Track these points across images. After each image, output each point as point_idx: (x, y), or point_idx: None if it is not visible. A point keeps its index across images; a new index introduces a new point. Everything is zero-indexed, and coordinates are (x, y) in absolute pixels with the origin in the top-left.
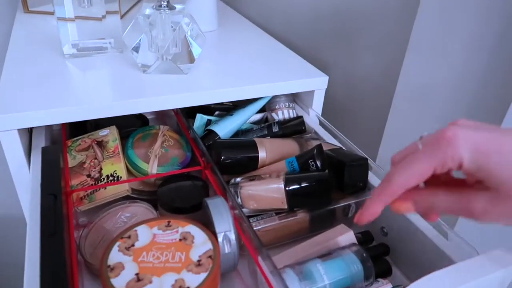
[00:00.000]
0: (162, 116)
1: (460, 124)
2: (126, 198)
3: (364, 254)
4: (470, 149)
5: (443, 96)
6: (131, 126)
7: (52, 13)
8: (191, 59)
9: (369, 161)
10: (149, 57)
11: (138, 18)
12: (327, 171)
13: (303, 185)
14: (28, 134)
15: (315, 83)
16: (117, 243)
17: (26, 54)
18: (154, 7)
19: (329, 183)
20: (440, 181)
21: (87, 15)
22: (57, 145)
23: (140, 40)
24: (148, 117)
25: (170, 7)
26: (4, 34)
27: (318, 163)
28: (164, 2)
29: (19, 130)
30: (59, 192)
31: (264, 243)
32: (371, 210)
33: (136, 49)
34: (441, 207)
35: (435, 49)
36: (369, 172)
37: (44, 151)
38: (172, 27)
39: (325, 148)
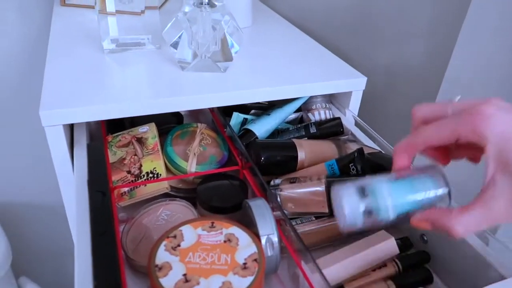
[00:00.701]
0: (196, 113)
1: (495, 104)
2: (165, 195)
3: (443, 181)
4: (497, 132)
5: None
6: (167, 123)
7: (88, 6)
8: (229, 57)
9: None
10: (188, 54)
11: (179, 16)
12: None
13: None
14: (69, 129)
15: (353, 84)
16: (164, 243)
17: (66, 49)
18: (194, 4)
19: None
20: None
21: (127, 10)
22: (102, 142)
23: (179, 37)
24: (183, 114)
25: (211, 4)
26: (41, 27)
27: (359, 167)
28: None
29: (63, 125)
30: (106, 189)
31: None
32: (400, 163)
33: (175, 45)
34: (462, 233)
35: (485, 46)
36: None
37: (90, 148)
38: (212, 25)
39: (364, 151)
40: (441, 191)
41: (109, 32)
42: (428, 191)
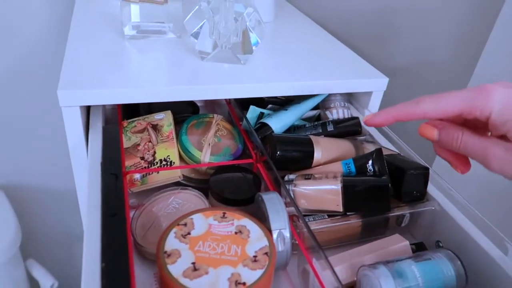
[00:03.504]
0: (212, 104)
1: (501, 83)
2: (176, 184)
3: (459, 262)
4: (501, 102)
5: None
6: (183, 112)
7: None
8: (250, 50)
9: (430, 171)
10: (208, 44)
11: (201, 5)
12: (387, 177)
13: (362, 189)
14: (86, 113)
15: (374, 84)
16: (174, 230)
17: (87, 33)
18: None
19: (389, 189)
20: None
21: None
22: (117, 126)
23: (200, 27)
24: (199, 105)
25: None
26: (64, 12)
27: (376, 167)
28: None
29: (80, 107)
30: (119, 172)
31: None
32: (384, 117)
33: (196, 35)
34: (461, 145)
35: None
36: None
37: (105, 130)
38: (234, 16)
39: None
40: (459, 271)
41: (131, 18)
42: (448, 271)
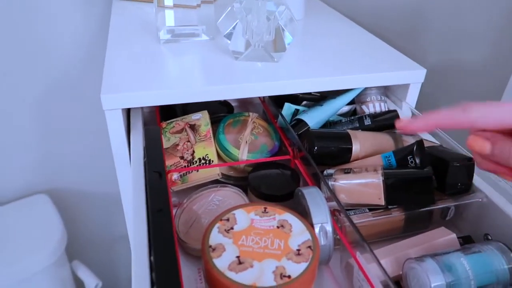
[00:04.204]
0: (245, 104)
1: None
2: (215, 182)
3: (511, 255)
4: None
5: None
6: (218, 113)
7: (145, 0)
8: (283, 48)
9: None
10: (241, 44)
11: (234, 6)
12: (430, 168)
13: (404, 181)
14: (126, 114)
15: (411, 76)
16: (217, 225)
17: (124, 38)
18: None
19: (433, 181)
20: None
21: (183, 4)
22: (157, 126)
23: (233, 27)
24: (233, 105)
25: None
26: (101, 19)
27: (417, 160)
28: None
29: (122, 110)
30: (163, 170)
31: (354, 239)
32: (423, 124)
33: (229, 35)
34: None
35: None
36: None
37: (147, 131)
38: (267, 15)
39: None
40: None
41: (165, 22)
42: (500, 264)
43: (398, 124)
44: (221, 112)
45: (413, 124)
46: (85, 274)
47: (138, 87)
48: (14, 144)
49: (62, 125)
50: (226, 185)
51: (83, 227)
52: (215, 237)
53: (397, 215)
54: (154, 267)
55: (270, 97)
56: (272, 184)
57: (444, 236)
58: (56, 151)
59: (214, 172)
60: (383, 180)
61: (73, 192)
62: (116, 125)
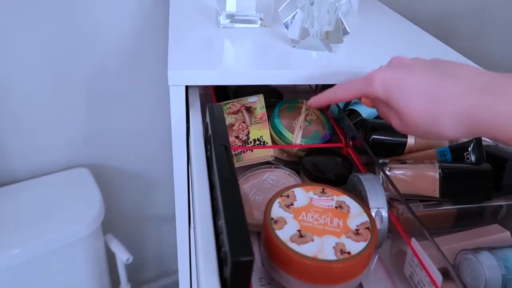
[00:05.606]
0: (294, 93)
1: (386, 67)
2: (268, 163)
3: None
4: (382, 87)
5: None
6: (267, 99)
7: None
8: (340, 39)
9: None
10: (300, 32)
11: None
12: (489, 165)
13: (461, 175)
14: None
15: None
16: (277, 200)
17: (185, 22)
18: None
19: (491, 178)
20: None
21: None
22: (220, 104)
23: (293, 16)
24: (283, 94)
25: None
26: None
27: (473, 157)
28: None
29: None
30: (228, 144)
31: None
32: (324, 101)
33: (287, 24)
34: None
35: None
36: None
37: (211, 107)
38: (328, 6)
39: None
40: None
41: (226, 7)
42: None
43: (308, 102)
44: (271, 98)
45: (316, 101)
46: (117, 248)
47: (201, 66)
48: (65, 118)
49: (111, 102)
50: (279, 166)
51: (119, 203)
52: (277, 211)
53: (449, 209)
54: (226, 230)
55: (322, 86)
56: (326, 169)
57: (498, 233)
58: (102, 128)
59: (268, 153)
60: (440, 173)
61: (113, 168)
62: (178, 101)
